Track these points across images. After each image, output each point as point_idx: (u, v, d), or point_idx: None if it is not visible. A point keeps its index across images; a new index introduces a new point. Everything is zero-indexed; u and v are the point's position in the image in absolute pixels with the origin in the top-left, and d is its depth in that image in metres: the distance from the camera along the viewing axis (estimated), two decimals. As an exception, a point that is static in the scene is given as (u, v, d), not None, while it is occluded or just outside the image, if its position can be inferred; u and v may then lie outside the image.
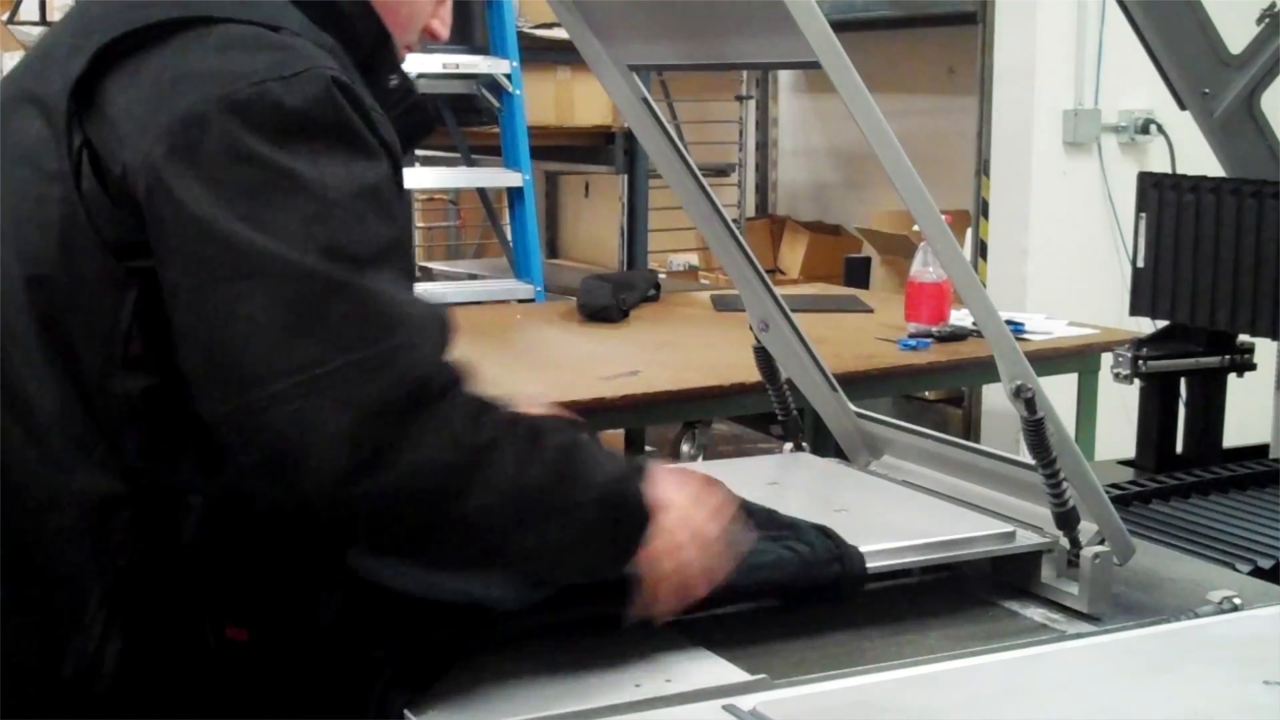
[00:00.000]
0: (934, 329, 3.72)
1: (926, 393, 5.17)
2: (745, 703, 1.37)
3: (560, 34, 4.60)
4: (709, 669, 1.51)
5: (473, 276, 5.75)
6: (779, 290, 2.14)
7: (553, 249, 7.61)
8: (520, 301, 4.68)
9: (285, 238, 1.28)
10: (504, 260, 5.18)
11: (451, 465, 1.31)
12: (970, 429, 5.13)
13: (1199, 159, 2.98)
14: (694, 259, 6.65)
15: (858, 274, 5.89)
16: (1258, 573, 1.98)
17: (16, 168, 1.37)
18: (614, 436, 4.99)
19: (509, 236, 4.99)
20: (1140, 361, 2.72)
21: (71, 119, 1.34)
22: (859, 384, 3.16)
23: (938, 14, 5.52)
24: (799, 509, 1.76)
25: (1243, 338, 2.73)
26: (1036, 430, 1.65)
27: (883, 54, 5.95)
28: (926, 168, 1.74)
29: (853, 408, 2.15)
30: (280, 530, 1.40)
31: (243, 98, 1.30)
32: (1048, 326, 3.92)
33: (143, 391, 1.34)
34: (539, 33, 5.16)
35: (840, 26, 1.60)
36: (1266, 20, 2.76)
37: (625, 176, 5.65)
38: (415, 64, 4.46)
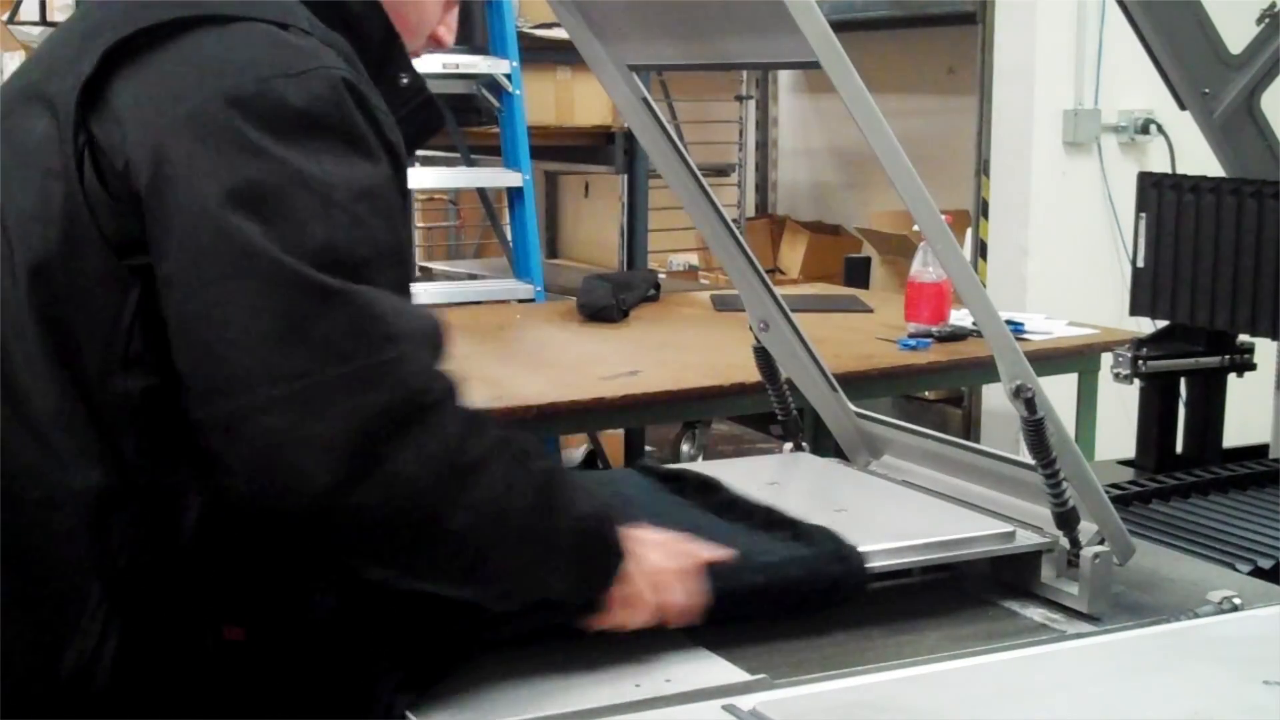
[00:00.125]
0: (934, 329, 3.72)
1: (926, 393, 5.17)
2: (745, 703, 1.37)
3: (560, 34, 4.60)
4: (709, 669, 1.51)
5: (473, 276, 5.75)
6: (779, 290, 2.14)
7: (553, 249, 7.60)
8: (520, 301, 4.68)
9: (282, 235, 1.27)
10: (504, 260, 5.18)
11: (440, 481, 1.31)
12: (970, 429, 5.13)
13: (1199, 159, 2.98)
14: (694, 259, 6.65)
15: (858, 274, 5.89)
16: (1258, 573, 1.98)
17: (21, 166, 1.38)
18: (614, 436, 5.00)
19: (509, 236, 4.99)
20: (1140, 361, 2.72)
21: (79, 118, 1.34)
22: (859, 384, 3.16)
23: (938, 14, 5.51)
24: (799, 509, 1.76)
25: (1243, 338, 2.73)
26: (1036, 430, 1.65)
27: (883, 54, 5.95)
28: (926, 168, 1.74)
29: (853, 408, 2.15)
30: (276, 531, 1.39)
31: (247, 93, 1.30)
32: (1048, 326, 3.92)
33: (142, 391, 1.34)
34: (539, 33, 5.16)
35: (840, 26, 1.60)
36: (1266, 20, 2.76)
37: (625, 176, 5.64)
38: (415, 64, 4.46)
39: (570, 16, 1.95)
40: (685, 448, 5.28)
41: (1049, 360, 3.64)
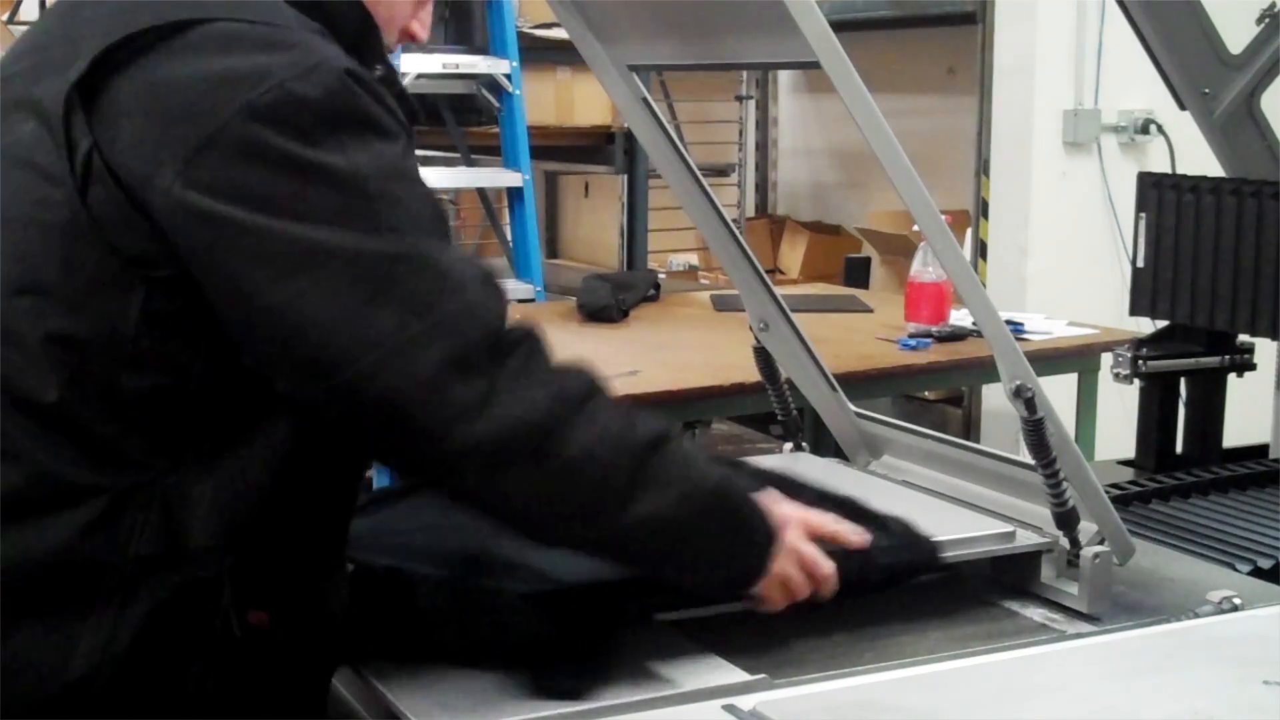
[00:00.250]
0: (934, 329, 3.72)
1: (926, 393, 5.17)
2: (745, 703, 1.37)
3: (560, 34, 4.60)
4: (709, 669, 1.51)
5: (473, 276, 5.73)
6: (779, 290, 2.14)
7: (553, 249, 7.60)
8: (520, 301, 4.68)
9: (334, 228, 1.31)
10: (504, 260, 5.18)
11: (553, 401, 1.37)
12: (970, 429, 5.13)
13: (1199, 159, 2.98)
14: (694, 259, 6.65)
15: (858, 274, 5.89)
16: (1258, 573, 1.98)
17: (13, 170, 1.37)
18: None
19: (509, 236, 4.99)
20: (1140, 361, 2.72)
21: (72, 123, 1.33)
22: (859, 384, 3.16)
23: (938, 14, 5.51)
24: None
25: (1243, 338, 2.73)
26: (1036, 430, 1.65)
27: (883, 54, 5.94)
28: (926, 168, 1.74)
29: (852, 408, 2.15)
30: (287, 519, 1.41)
31: (266, 101, 1.30)
32: (1048, 326, 3.92)
33: (151, 389, 1.34)
34: (539, 33, 5.16)
35: (840, 26, 1.61)
36: (1266, 20, 2.76)
37: (625, 176, 5.65)
38: (415, 64, 4.47)
39: (570, 16, 1.95)
40: (685, 448, 5.27)
41: (1049, 360, 3.64)
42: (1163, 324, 2.83)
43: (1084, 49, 4.88)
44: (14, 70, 1.45)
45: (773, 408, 2.19)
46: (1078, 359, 3.78)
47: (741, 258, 2.08)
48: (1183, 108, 2.83)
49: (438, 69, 4.56)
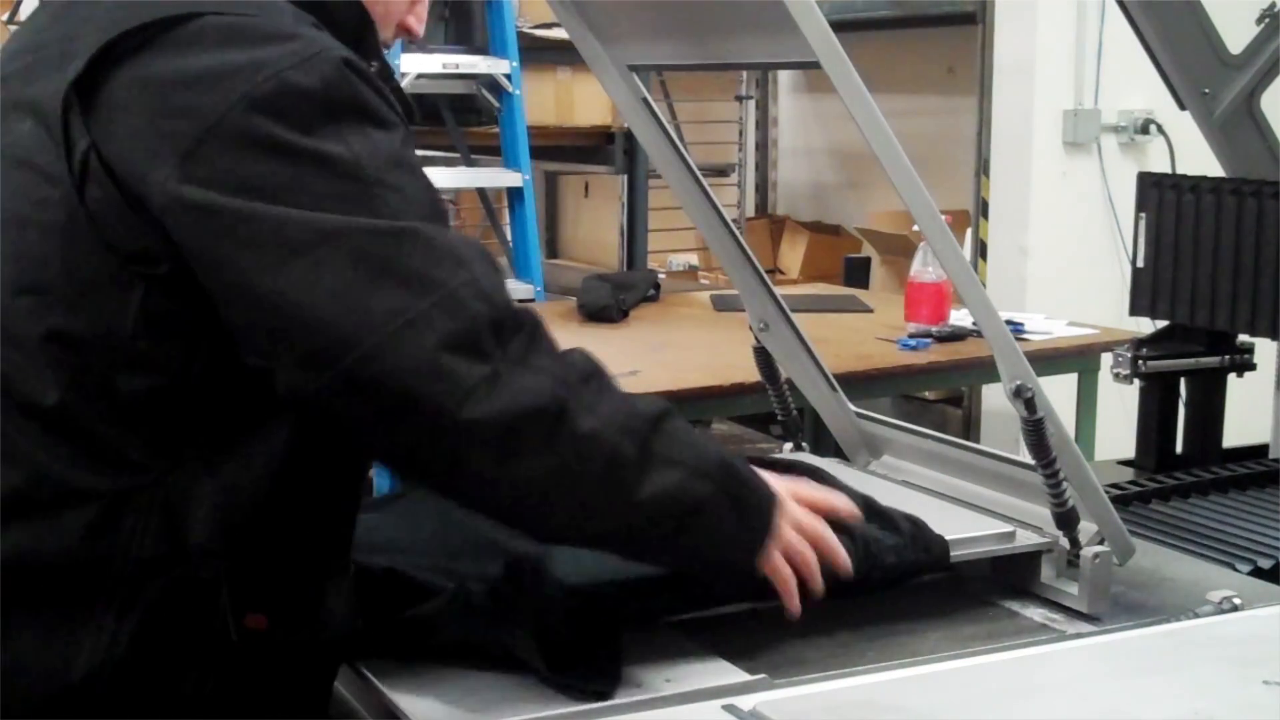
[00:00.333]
0: (934, 329, 3.72)
1: (926, 393, 5.17)
2: (745, 703, 1.37)
3: (560, 34, 4.60)
4: (709, 669, 1.51)
5: (473, 276, 5.73)
6: (779, 290, 2.14)
7: (553, 249, 7.60)
8: (520, 302, 4.68)
9: (333, 213, 1.30)
10: (504, 260, 5.18)
11: (557, 381, 1.36)
12: (970, 429, 5.13)
13: (1199, 159, 2.98)
14: (694, 259, 6.65)
15: (858, 274, 5.89)
16: (1258, 573, 1.98)
17: (12, 171, 1.37)
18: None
19: (509, 236, 4.99)
20: (1140, 361, 2.72)
21: (70, 122, 1.33)
22: (859, 384, 3.16)
23: (938, 14, 5.52)
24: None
25: (1243, 338, 2.72)
26: (1036, 430, 1.65)
27: (883, 54, 5.94)
28: (926, 168, 1.74)
29: (852, 408, 2.15)
30: (288, 522, 1.40)
31: (264, 92, 1.30)
32: (1047, 326, 3.92)
33: (150, 391, 1.34)
34: (539, 33, 5.16)
35: (840, 26, 1.60)
36: (1266, 20, 2.76)
37: (625, 176, 5.65)
38: (415, 64, 4.47)
39: (570, 16, 1.95)
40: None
41: (1049, 360, 3.64)
42: (1163, 324, 2.82)
43: (1084, 49, 4.88)
44: (10, 70, 1.44)
45: (773, 408, 2.19)
46: (1078, 359, 3.78)
47: (741, 258, 2.08)
48: (1183, 108, 2.83)
49: (438, 69, 4.56)
